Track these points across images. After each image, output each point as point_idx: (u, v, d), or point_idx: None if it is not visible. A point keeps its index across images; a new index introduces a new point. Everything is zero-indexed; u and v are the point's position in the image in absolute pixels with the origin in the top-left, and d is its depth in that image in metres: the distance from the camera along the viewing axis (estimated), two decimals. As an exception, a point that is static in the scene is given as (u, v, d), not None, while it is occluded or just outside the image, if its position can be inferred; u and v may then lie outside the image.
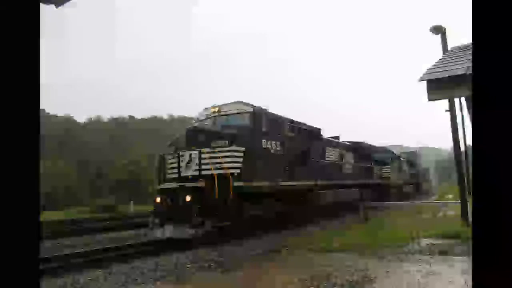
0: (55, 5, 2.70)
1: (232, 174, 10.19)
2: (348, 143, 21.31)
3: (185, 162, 10.49)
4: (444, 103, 12.48)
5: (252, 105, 12.21)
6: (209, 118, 12.43)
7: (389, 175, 26.09)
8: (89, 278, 6.57)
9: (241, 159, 10.61)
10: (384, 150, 29.07)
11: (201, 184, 9.85)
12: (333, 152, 17.98)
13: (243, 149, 10.75)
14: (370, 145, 25.32)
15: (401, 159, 32.34)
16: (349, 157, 20.22)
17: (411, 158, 41.64)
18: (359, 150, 22.07)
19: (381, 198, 22.36)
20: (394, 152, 30.62)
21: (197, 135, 11.05)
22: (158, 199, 10.36)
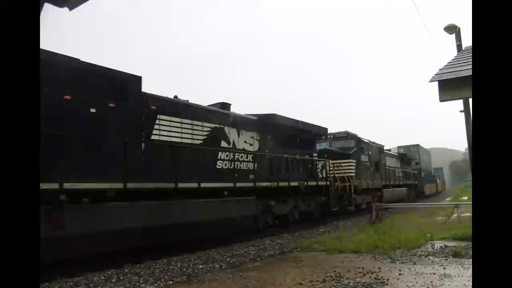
0: (69, 8, 2.71)
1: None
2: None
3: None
4: (459, 104, 12.38)
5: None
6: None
7: (352, 173, 18.64)
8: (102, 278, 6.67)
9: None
10: (343, 135, 20.57)
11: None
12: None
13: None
14: (302, 123, 15.40)
15: (377, 148, 23.39)
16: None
17: (409, 153, 35.18)
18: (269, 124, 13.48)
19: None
20: (362, 138, 21.21)
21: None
22: None
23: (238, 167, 11.38)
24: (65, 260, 7.11)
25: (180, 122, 9.77)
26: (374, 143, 23.24)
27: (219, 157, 10.83)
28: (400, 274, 5.91)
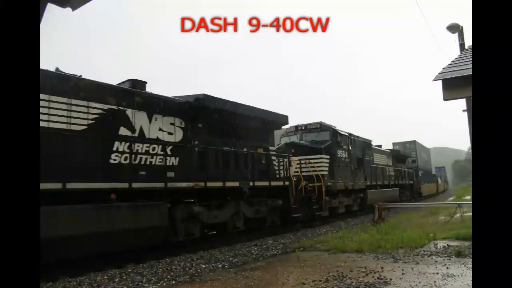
0: (72, 8, 2.72)
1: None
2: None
3: None
4: (462, 103, 12.35)
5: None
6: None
7: (324, 172, 15.69)
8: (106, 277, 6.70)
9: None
10: (315, 126, 17.36)
11: None
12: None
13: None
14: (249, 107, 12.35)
15: (356, 140, 19.70)
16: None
17: (404, 150, 32.63)
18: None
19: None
20: (339, 130, 17.97)
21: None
22: None
23: (147, 163, 8.77)
24: (69, 260, 7.14)
25: (48, 101, 7.34)
26: (357, 137, 20.00)
27: (115, 149, 8.24)
28: (403, 273, 5.90)
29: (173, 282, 6.37)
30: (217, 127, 10.92)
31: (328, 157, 16.16)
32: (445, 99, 5.04)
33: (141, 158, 8.67)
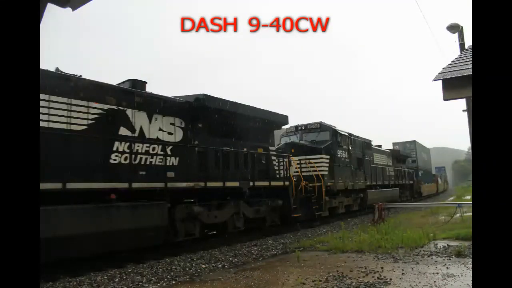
0: (71, 8, 2.72)
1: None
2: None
3: None
4: (462, 103, 12.37)
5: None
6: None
7: (324, 171, 15.68)
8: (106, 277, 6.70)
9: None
10: (315, 126, 17.35)
11: None
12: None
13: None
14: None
15: (355, 139, 19.62)
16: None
17: (404, 150, 32.67)
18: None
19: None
20: (339, 130, 17.87)
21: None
22: None
23: (147, 163, 8.78)
24: (69, 260, 7.14)
25: (48, 101, 7.34)
26: (357, 136, 20.01)
27: (115, 149, 8.24)
28: (403, 273, 5.90)
29: (173, 282, 6.37)
30: (217, 127, 10.92)
31: (328, 157, 16.17)
32: (445, 99, 5.05)
33: (141, 158, 8.68)
